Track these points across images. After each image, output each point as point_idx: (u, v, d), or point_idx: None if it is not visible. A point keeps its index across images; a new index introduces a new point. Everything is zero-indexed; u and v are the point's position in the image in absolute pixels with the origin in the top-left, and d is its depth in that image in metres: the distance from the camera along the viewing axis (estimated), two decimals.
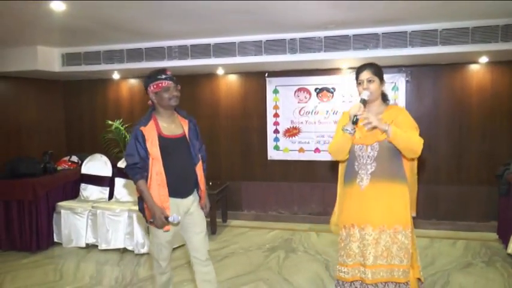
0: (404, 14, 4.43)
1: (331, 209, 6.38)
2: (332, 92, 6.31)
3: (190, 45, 5.61)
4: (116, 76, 6.92)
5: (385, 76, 6.27)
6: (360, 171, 2.91)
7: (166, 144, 3.03)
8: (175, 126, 3.16)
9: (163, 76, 3.03)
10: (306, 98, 6.42)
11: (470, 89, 5.88)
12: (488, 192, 5.84)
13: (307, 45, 5.28)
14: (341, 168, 3.18)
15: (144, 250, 5.13)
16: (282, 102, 6.53)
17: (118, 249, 5.30)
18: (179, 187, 3.12)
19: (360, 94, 2.90)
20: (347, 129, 2.79)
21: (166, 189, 3.03)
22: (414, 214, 3.09)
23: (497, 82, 5.79)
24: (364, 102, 2.80)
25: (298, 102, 6.46)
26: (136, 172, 2.99)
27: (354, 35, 5.12)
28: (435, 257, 4.93)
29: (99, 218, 5.31)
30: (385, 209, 2.84)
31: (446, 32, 4.85)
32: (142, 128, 3.01)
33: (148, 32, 5.11)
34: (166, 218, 2.99)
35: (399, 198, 2.86)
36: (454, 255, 5.01)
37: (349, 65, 5.96)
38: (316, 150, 6.43)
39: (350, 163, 3.00)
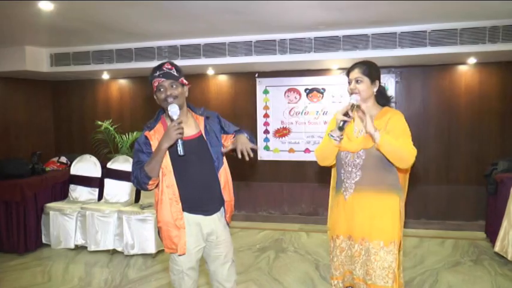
0: (394, 15, 4.46)
1: (321, 209, 6.47)
2: (322, 93, 6.33)
3: (180, 46, 5.60)
4: (105, 76, 6.88)
5: None
6: (345, 180, 2.68)
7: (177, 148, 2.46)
8: (188, 126, 2.61)
9: (157, 73, 2.53)
10: (296, 98, 6.43)
11: (459, 89, 5.93)
12: (476, 192, 5.89)
13: (297, 45, 5.29)
14: (333, 173, 2.92)
15: (133, 251, 5.10)
16: (272, 102, 6.54)
17: (107, 251, 5.27)
18: (199, 200, 2.61)
19: (350, 95, 2.65)
20: (332, 136, 2.59)
21: (180, 204, 2.55)
22: None
23: (485, 83, 5.85)
24: (353, 107, 2.52)
25: (288, 103, 6.47)
26: (139, 169, 2.51)
27: (343, 36, 5.15)
28: (424, 256, 4.97)
29: (88, 219, 5.27)
30: (367, 221, 2.61)
31: (435, 33, 4.89)
32: (146, 133, 2.58)
33: (138, 32, 5.09)
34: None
35: (386, 210, 2.60)
36: (443, 254, 5.05)
37: (339, 65, 5.98)
38: (306, 150, 6.44)
39: (337, 170, 2.78)
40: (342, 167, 2.70)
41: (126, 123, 6.99)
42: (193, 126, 2.67)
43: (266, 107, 6.57)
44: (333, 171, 2.92)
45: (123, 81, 7.19)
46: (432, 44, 4.93)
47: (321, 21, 4.66)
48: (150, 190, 2.61)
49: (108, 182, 5.73)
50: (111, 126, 6.51)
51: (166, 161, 2.53)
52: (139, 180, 2.51)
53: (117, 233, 5.23)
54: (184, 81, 2.63)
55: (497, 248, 4.65)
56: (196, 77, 6.70)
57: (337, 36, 5.16)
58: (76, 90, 7.38)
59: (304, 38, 5.26)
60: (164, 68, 2.56)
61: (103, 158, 6.29)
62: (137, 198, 5.58)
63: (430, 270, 4.55)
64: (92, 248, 5.27)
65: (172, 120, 2.46)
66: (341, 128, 2.54)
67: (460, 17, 4.60)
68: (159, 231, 2.66)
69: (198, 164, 2.62)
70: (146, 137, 2.58)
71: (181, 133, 2.42)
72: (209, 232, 2.67)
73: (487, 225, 5.52)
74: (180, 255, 2.59)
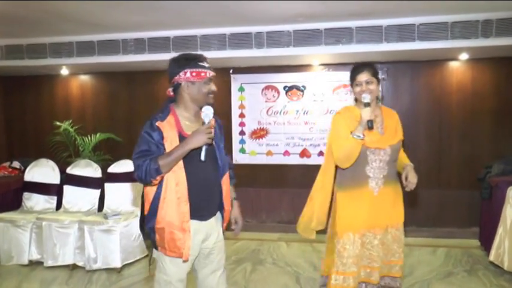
0: (380, 7, 4.47)
1: None
2: (302, 90, 6.30)
3: (148, 39, 5.56)
4: (64, 72, 6.78)
5: None
6: (372, 176, 3.08)
7: None
8: (199, 125, 2.60)
9: (205, 64, 2.60)
10: (274, 96, 6.40)
11: (450, 87, 5.98)
12: (469, 197, 5.93)
13: (275, 39, 5.28)
14: (343, 171, 3.20)
15: (96, 266, 4.97)
16: (248, 101, 6.50)
17: (67, 266, 5.11)
18: (201, 204, 2.62)
19: (355, 94, 3.10)
20: (359, 136, 2.91)
21: (188, 205, 2.53)
22: None
23: (478, 80, 5.90)
24: (368, 105, 2.93)
25: (266, 101, 6.44)
26: (150, 160, 2.45)
27: (325, 29, 5.15)
28: (414, 266, 4.95)
29: (45, 231, 5.12)
30: (392, 210, 3.13)
31: (424, 26, 4.92)
32: (158, 124, 2.53)
33: (101, 23, 5.04)
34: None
35: (400, 196, 3.20)
36: (435, 264, 5.06)
37: (320, 61, 5.96)
38: (286, 153, 6.41)
39: (358, 167, 3.08)
40: (367, 164, 3.08)
41: (88, 124, 6.91)
42: None
43: (242, 106, 6.53)
44: (334, 169, 3.28)
45: (84, 77, 7.07)
46: (421, 39, 4.96)
47: (301, 12, 4.65)
48: (151, 186, 2.56)
49: (68, 189, 5.61)
50: (72, 127, 6.45)
51: None
52: (148, 172, 2.44)
53: (77, 246, 5.09)
54: None
55: (492, 257, 4.65)
56: (165, 74, 6.53)
57: (318, 29, 5.16)
58: (31, 87, 7.24)
59: (282, 31, 5.25)
60: (207, 62, 2.63)
61: (62, 163, 6.14)
62: (101, 207, 5.47)
63: (421, 282, 4.54)
64: (49, 263, 5.11)
65: (203, 123, 2.54)
66: (371, 128, 2.90)
67: (450, 9, 4.62)
68: (153, 233, 2.59)
69: (204, 167, 2.60)
70: (158, 127, 2.54)
71: (211, 138, 2.49)
72: (204, 238, 2.67)
73: (481, 232, 5.54)
74: (184, 261, 2.57)
